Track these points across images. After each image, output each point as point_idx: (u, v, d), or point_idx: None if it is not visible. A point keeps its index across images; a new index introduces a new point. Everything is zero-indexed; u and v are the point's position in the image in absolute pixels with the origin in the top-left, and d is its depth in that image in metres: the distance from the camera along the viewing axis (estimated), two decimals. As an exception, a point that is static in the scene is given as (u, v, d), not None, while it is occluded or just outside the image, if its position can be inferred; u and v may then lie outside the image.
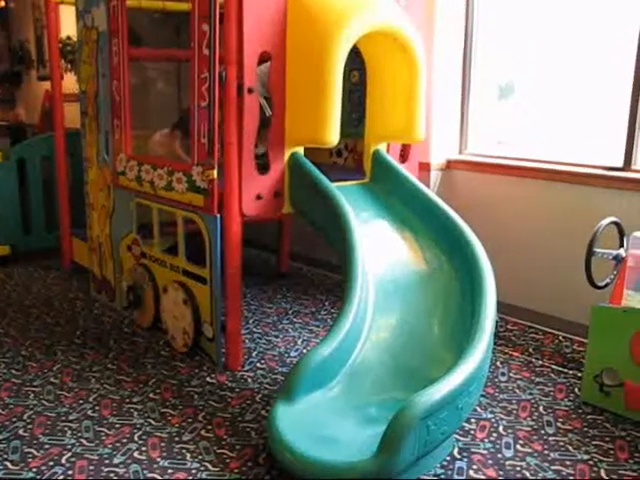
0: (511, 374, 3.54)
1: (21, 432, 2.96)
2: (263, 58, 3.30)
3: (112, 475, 2.65)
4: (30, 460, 2.74)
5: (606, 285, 3.36)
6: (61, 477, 2.63)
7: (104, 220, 4.41)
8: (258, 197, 3.41)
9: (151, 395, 3.29)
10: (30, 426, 3.01)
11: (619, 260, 3.30)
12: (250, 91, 3.25)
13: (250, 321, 4.25)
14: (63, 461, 2.74)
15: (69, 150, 5.18)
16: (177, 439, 2.90)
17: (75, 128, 4.86)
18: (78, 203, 4.92)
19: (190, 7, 3.33)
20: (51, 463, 2.72)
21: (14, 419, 3.07)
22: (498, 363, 3.65)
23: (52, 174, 5.35)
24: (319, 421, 2.64)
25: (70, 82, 5.79)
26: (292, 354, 3.77)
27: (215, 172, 3.31)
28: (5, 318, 4.27)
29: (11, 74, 8.72)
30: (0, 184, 5.31)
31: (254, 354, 3.76)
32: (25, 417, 3.08)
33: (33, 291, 4.82)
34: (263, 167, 3.41)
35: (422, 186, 3.56)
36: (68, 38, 5.62)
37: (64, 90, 5.15)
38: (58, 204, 5.27)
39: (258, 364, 3.64)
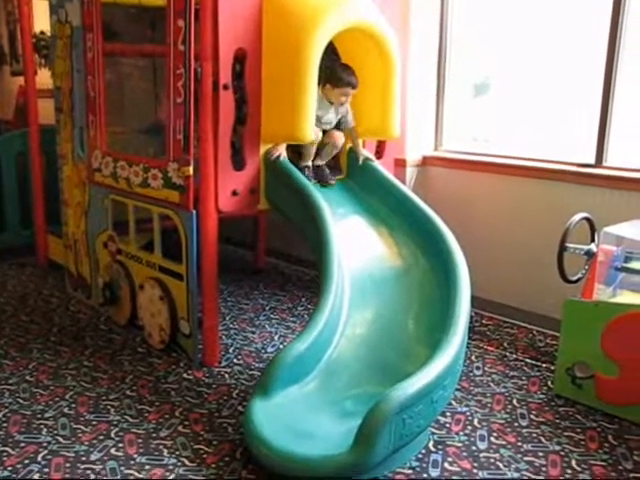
0: (486, 368, 3.58)
1: (-4, 430, 2.95)
2: (238, 54, 3.30)
3: (89, 472, 2.65)
4: (5, 459, 2.73)
5: (578, 280, 3.41)
6: (37, 475, 2.62)
7: (79, 217, 4.39)
8: (234, 193, 3.41)
9: (128, 392, 3.29)
10: (5, 424, 2.99)
11: (590, 255, 3.35)
12: (225, 87, 3.25)
13: (227, 317, 4.26)
14: (39, 459, 2.73)
15: (44, 146, 5.13)
16: (154, 435, 2.91)
17: (50, 124, 4.82)
18: (53, 200, 4.89)
19: (165, 3, 3.33)
20: (27, 461, 2.72)
21: (-11, 417, 3.06)
22: (473, 357, 3.69)
23: (27, 170, 5.31)
24: (295, 416, 2.66)
25: (45, 77, 5.74)
26: (269, 350, 3.79)
27: (191, 168, 3.31)
28: (-21, 316, 4.25)
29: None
30: (-26, 181, 5.25)
31: (231, 350, 3.77)
32: (0, 415, 3.07)
33: (8, 288, 4.78)
34: (239, 163, 3.42)
35: (397, 182, 3.59)
36: (42, 33, 5.58)
37: (39, 86, 5.11)
38: (33, 201, 5.23)
39: (235, 360, 3.65)
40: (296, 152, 3.59)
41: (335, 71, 3.52)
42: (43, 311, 4.35)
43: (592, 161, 3.82)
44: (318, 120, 3.51)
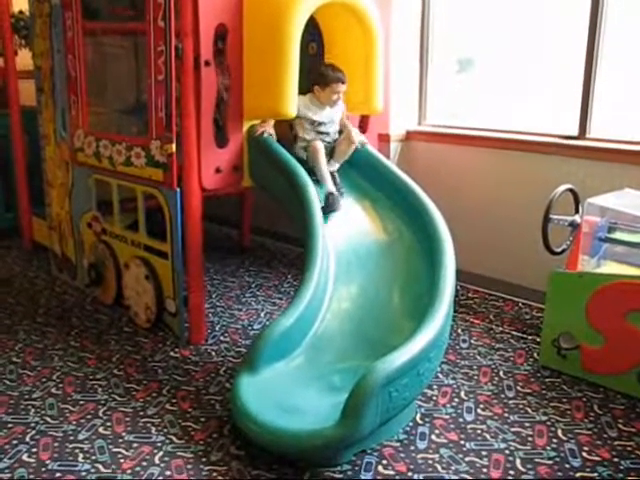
0: (472, 341, 3.60)
1: (-17, 412, 2.95)
2: (219, 30, 3.27)
3: (77, 451, 2.65)
4: (-7, 439, 2.74)
5: (563, 251, 3.42)
6: (25, 455, 2.63)
7: (63, 198, 4.36)
8: (217, 170, 3.40)
9: (115, 371, 3.29)
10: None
11: (575, 226, 3.36)
12: (207, 63, 3.22)
13: (213, 295, 4.25)
14: (27, 439, 2.73)
15: (26, 128, 5.08)
16: (142, 413, 2.91)
17: (31, 105, 4.77)
18: (36, 181, 4.85)
19: (145, -21, 3.29)
20: (15, 442, 2.72)
21: (-24, 399, 3.05)
22: (459, 330, 3.71)
23: (9, 153, 5.25)
24: (283, 391, 2.66)
25: (25, 58, 5.66)
26: (255, 327, 3.79)
27: (173, 146, 3.29)
28: (-36, 299, 4.23)
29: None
30: (-45, 164, 5.20)
31: (217, 328, 3.77)
32: (-13, 397, 3.07)
33: (-7, 271, 4.77)
34: (222, 140, 3.40)
35: (381, 157, 3.58)
36: (20, 12, 5.49)
37: (19, 67, 5.05)
38: (16, 183, 5.18)
39: (221, 337, 3.65)
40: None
41: (320, 71, 3.45)
42: (29, 293, 4.33)
43: (575, 133, 3.82)
44: (312, 125, 3.47)
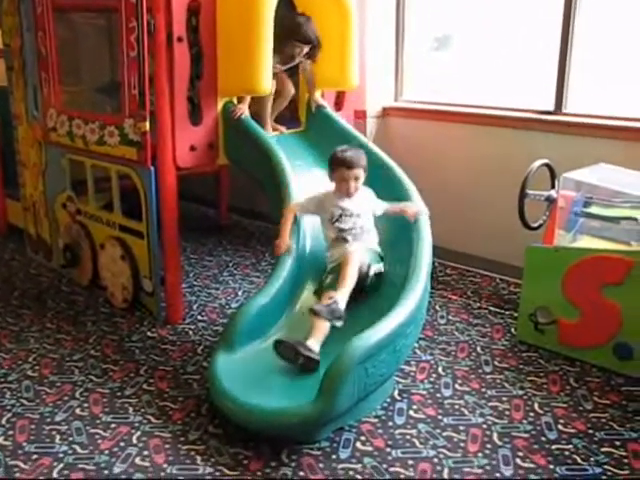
0: (450, 317, 3.61)
1: (-41, 395, 2.92)
2: (192, 6, 3.22)
3: (54, 433, 2.63)
4: (-32, 423, 2.72)
5: (539, 226, 3.43)
6: (1, 438, 2.61)
7: (37, 178, 4.30)
8: (192, 148, 3.36)
9: (92, 352, 3.27)
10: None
11: (551, 201, 3.37)
12: (180, 39, 3.18)
13: (190, 275, 4.23)
14: (3, 422, 2.72)
15: (-2, 108, 4.99)
16: (119, 394, 2.90)
17: (2, 85, 4.69)
18: (9, 162, 4.77)
19: (115, -47, 3.23)
20: (-9, 424, 2.71)
21: (-50, 382, 3.02)
22: (437, 307, 3.72)
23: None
24: (259, 369, 2.66)
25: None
26: (233, 305, 3.78)
27: (147, 124, 3.25)
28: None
29: None
30: None
31: (195, 307, 3.75)
32: (-38, 380, 3.04)
33: (-34, 254, 4.70)
34: (196, 118, 3.36)
35: (357, 133, 3.57)
36: (-12, -11, 5.38)
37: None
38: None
39: (199, 317, 3.64)
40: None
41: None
42: (4, 276, 4.28)
43: (551, 108, 3.82)
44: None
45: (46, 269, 4.36)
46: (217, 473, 2.39)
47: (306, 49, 3.40)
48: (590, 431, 2.61)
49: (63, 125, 3.86)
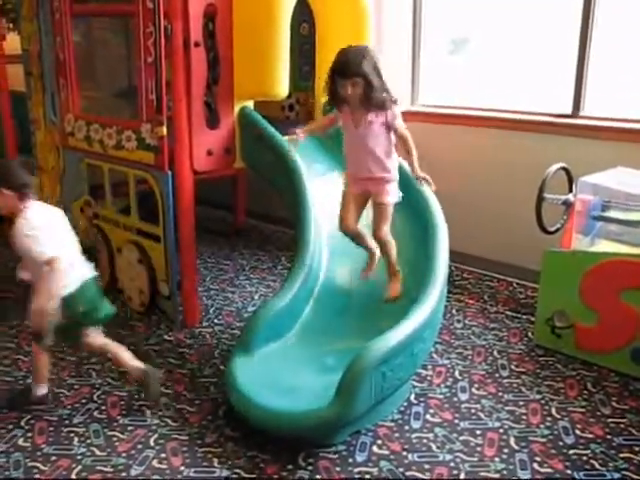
0: (466, 321, 3.60)
1: (-22, 397, 2.95)
2: (209, 11, 3.24)
3: (72, 435, 2.66)
4: (-12, 425, 2.74)
5: (556, 230, 3.42)
6: (21, 440, 2.63)
7: (55, 182, 4.33)
8: (209, 152, 3.38)
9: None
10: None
11: (568, 205, 3.36)
12: (197, 44, 3.19)
13: (207, 278, 4.24)
14: (22, 424, 2.74)
15: (16, 113, 5.02)
16: (136, 397, 2.91)
17: (21, 91, 4.73)
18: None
19: (133, -41, 3.25)
20: (10, 426, 2.72)
21: (-29, 385, 3.05)
22: (454, 311, 3.71)
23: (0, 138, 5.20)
24: (277, 372, 2.67)
25: (14, 42, 5.61)
26: (249, 309, 3.78)
27: (164, 129, 3.26)
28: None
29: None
30: (-55, 149, 5.14)
31: (211, 310, 3.76)
32: (-18, 382, 3.06)
33: (-17, 258, 4.73)
34: (213, 122, 3.38)
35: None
36: (8, -5, 5.42)
37: (8, 51, 4.99)
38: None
39: (215, 320, 3.64)
40: None
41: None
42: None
43: (569, 111, 3.81)
44: None
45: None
46: (234, 476, 2.40)
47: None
48: (608, 436, 2.59)
49: (81, 130, 3.89)
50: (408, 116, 4.37)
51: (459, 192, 4.12)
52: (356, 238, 2.97)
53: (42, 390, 2.87)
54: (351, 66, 2.70)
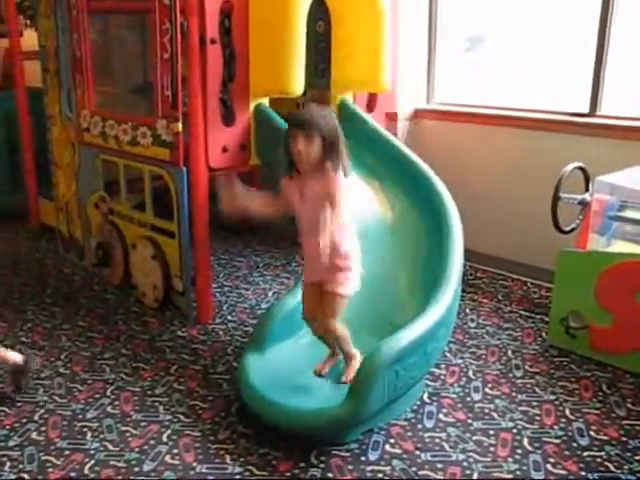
0: (480, 320, 3.58)
1: (-8, 391, 2.97)
2: (225, 8, 3.24)
3: (85, 430, 2.66)
4: (3, 418, 2.75)
5: (572, 230, 3.40)
6: (35, 434, 2.64)
7: (70, 178, 4.35)
8: (224, 149, 3.38)
9: (123, 351, 3.29)
10: (1, 385, 3.00)
11: (584, 205, 3.33)
12: (213, 41, 3.20)
13: (220, 275, 4.24)
14: (36, 418, 2.75)
15: (32, 109, 5.04)
16: (149, 392, 2.92)
17: (37, 87, 4.75)
18: (43, 162, 4.83)
19: (150, -45, 3.26)
20: (24, 420, 2.74)
21: (-16, 378, 3.06)
22: (467, 310, 3.69)
23: (15, 134, 5.22)
24: (289, 369, 2.68)
25: (30, 39, 5.63)
26: (263, 306, 3.78)
27: (180, 125, 3.27)
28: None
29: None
30: (-38, 144, 5.18)
31: (225, 307, 3.77)
32: (-4, 376, 3.08)
33: (1, 252, 4.75)
34: (228, 119, 3.38)
35: (390, 135, 3.55)
36: (25, -8, 5.45)
37: (25, 47, 5.01)
38: (23, 164, 5.16)
39: (229, 317, 3.65)
40: None
41: None
42: (36, 273, 4.33)
43: (586, 110, 3.78)
44: None
45: (78, 268, 4.40)
46: (246, 473, 2.40)
47: None
48: (624, 438, 2.57)
49: (96, 126, 3.90)
50: (423, 114, 4.41)
51: (473, 190, 4.11)
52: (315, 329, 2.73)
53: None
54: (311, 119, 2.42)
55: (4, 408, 2.82)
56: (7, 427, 2.69)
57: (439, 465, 2.44)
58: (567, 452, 2.50)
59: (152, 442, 2.58)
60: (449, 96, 4.47)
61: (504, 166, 4.07)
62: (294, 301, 2.77)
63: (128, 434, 2.63)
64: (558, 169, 3.34)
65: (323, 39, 3.80)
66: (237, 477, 2.38)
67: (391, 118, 4.23)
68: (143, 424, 2.70)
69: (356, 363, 2.64)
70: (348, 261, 2.56)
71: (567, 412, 2.75)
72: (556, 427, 2.65)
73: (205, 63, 3.21)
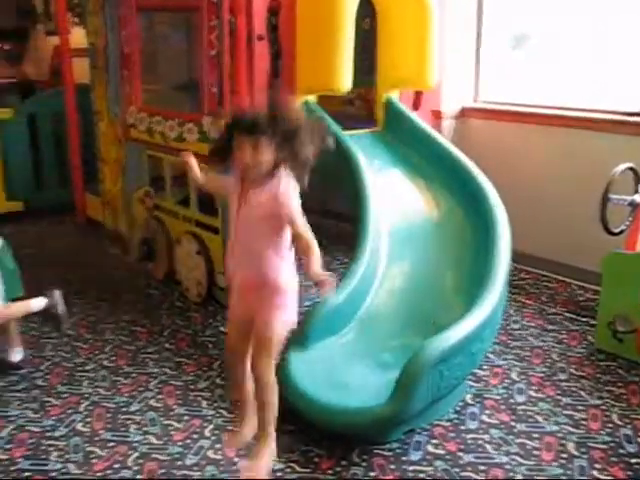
0: (524, 322, 3.54)
1: (39, 382, 3.01)
2: (272, 5, 3.25)
3: (129, 422, 2.69)
4: (49, 408, 2.80)
5: (621, 232, 3.33)
6: (80, 425, 2.68)
7: (116, 173, 4.40)
8: (270, 146, 3.38)
9: (166, 345, 3.32)
10: (48, 376, 3.06)
11: (634, 206, 3.27)
12: (260, 38, 3.21)
13: (263, 271, 4.23)
14: (81, 409, 2.80)
15: (79, 105, 5.11)
16: (192, 387, 2.94)
17: (84, 83, 4.82)
18: (90, 158, 4.90)
19: (198, -46, 3.28)
20: (70, 411, 2.78)
21: (32, 369, 3.11)
22: (511, 311, 3.64)
23: (63, 129, 5.30)
24: (332, 367, 2.66)
25: (78, 37, 5.71)
26: (305, 303, 3.76)
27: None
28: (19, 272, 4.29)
29: (18, 30, 8.60)
30: (12, 140, 5.25)
31: (267, 304, 3.76)
32: (43, 367, 3.13)
33: (47, 246, 4.83)
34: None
35: (436, 134, 3.52)
36: (74, -9, 5.53)
37: (73, 45, 5.08)
38: (70, 160, 5.24)
39: (272, 313, 3.64)
40: None
41: None
42: (82, 267, 4.38)
43: (638, 109, 3.70)
44: None
45: (122, 262, 4.44)
46: (288, 469, 2.40)
47: None
48: (674, 446, 2.52)
49: (143, 122, 3.95)
50: (470, 112, 4.36)
51: (520, 190, 4.03)
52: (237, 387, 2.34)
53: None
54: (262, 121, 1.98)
55: (50, 399, 2.87)
56: (53, 417, 2.74)
57: (482, 467, 2.42)
58: (614, 458, 2.45)
59: (195, 436, 2.60)
60: (495, 95, 4.41)
61: (551, 166, 4.00)
62: (337, 299, 2.75)
63: (171, 428, 2.66)
64: (608, 169, 3.27)
65: (369, 36, 3.79)
66: (279, 474, 2.38)
67: (437, 116, 4.19)
68: (186, 418, 2.72)
69: (269, 450, 2.23)
70: (286, 297, 2.18)
71: (614, 417, 2.69)
72: (603, 432, 2.60)
73: (252, 60, 3.22)
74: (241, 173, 2.06)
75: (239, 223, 2.11)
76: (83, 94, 4.85)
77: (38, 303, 3.05)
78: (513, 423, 2.67)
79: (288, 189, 2.02)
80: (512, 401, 2.82)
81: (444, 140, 3.49)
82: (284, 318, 2.14)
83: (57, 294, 3.12)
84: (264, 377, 2.15)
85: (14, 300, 3.06)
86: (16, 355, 3.11)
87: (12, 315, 3.05)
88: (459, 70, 4.34)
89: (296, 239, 2.11)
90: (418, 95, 3.89)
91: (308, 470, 2.40)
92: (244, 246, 2.12)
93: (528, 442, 2.55)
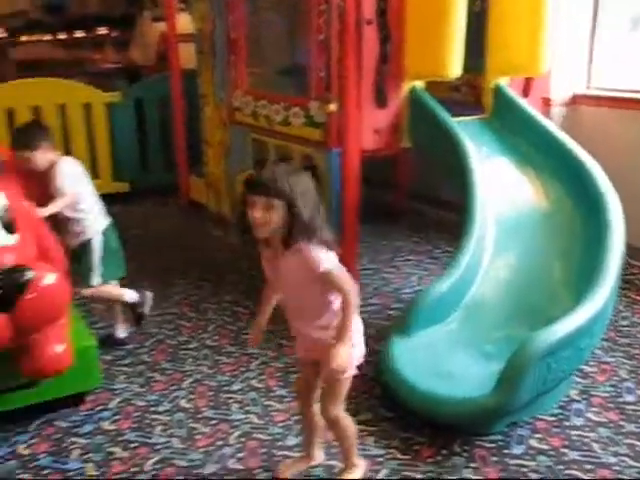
0: (634, 319, 3.40)
1: (145, 358, 3.11)
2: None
3: (231, 401, 2.75)
4: (154, 384, 2.89)
5: None
6: (183, 401, 2.76)
7: (220, 156, 4.47)
8: (376, 131, 3.36)
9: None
10: (153, 352, 3.16)
11: None
12: (369, 22, 3.18)
13: (364, 257, 4.21)
14: (184, 385, 2.87)
15: (184, 90, 5.21)
16: (292, 369, 2.95)
17: (190, 69, 4.91)
18: (194, 141, 5.00)
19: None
20: (173, 387, 2.86)
21: (137, 345, 3.22)
22: (621, 307, 3.50)
23: (169, 113, 5.43)
24: (435, 355, 2.64)
25: (184, 22, 5.82)
26: (406, 291, 3.74)
27: (333, 106, 3.28)
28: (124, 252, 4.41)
29: (125, 16, 8.84)
30: (120, 123, 5.43)
31: (368, 290, 3.75)
32: (147, 344, 3.23)
33: (151, 227, 4.97)
34: (381, 101, 3.35)
35: (548, 122, 3.40)
36: (180, -22, 5.63)
37: (179, 30, 5.18)
38: (175, 142, 5.36)
39: (370, 300, 3.63)
40: None
41: None
42: (184, 248, 4.48)
43: None
44: None
45: (225, 244, 4.51)
46: (388, 455, 2.40)
47: None
48: None
49: (248, 105, 3.99)
50: (582, 99, 4.18)
51: (635, 185, 3.85)
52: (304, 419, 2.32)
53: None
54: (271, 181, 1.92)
55: (155, 374, 2.96)
56: (157, 393, 2.82)
57: (587, 466, 2.35)
58: None
59: (295, 417, 2.60)
60: (609, 80, 4.20)
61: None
62: (442, 287, 2.72)
63: (271, 408, 2.70)
64: None
65: (479, 19, 3.69)
66: (379, 459, 2.38)
67: (545, 103, 4.05)
68: (287, 399, 2.75)
69: (357, 475, 2.26)
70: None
71: None
72: None
73: (360, 44, 3.20)
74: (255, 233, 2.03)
75: (284, 288, 2.16)
76: (188, 79, 4.95)
77: (130, 295, 3.20)
78: (622, 422, 2.58)
79: (317, 253, 1.98)
80: (621, 400, 2.72)
81: (555, 128, 3.37)
82: (350, 359, 2.07)
83: (149, 296, 3.27)
84: (331, 417, 2.16)
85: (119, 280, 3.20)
86: (122, 332, 3.23)
87: (103, 296, 3.18)
88: (571, 54, 4.16)
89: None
90: (528, 81, 3.76)
91: (408, 457, 2.39)
92: (299, 309, 2.15)
93: (638, 444, 2.45)
